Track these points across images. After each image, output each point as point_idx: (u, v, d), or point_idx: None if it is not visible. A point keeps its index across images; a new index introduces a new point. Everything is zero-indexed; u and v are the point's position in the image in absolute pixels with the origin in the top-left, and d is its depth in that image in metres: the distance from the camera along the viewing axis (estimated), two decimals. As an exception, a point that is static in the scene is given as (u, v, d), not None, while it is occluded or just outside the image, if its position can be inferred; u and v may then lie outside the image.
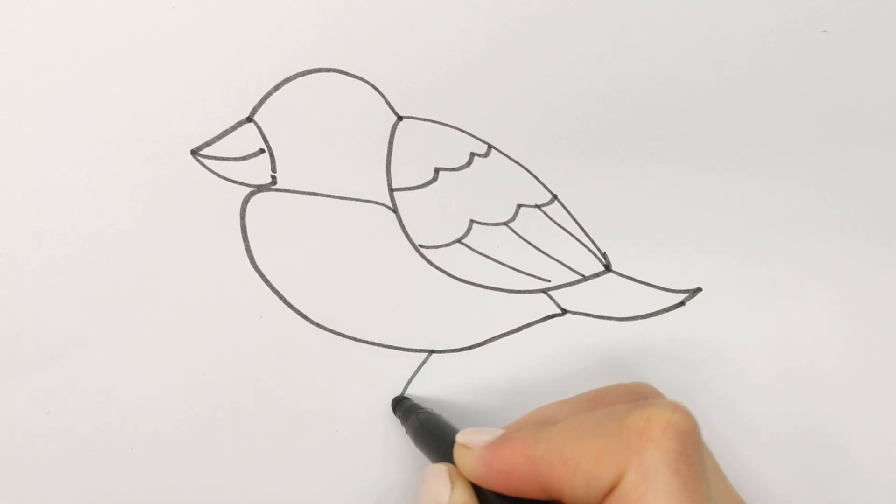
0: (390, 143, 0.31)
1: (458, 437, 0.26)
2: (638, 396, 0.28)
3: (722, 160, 0.32)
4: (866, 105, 0.32)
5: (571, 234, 0.33)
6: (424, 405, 0.32)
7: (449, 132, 0.31)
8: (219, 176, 0.31)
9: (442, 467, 0.26)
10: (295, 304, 0.32)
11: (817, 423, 0.34)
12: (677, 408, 0.22)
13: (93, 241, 0.31)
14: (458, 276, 0.33)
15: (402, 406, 0.33)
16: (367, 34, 0.30)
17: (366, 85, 0.31)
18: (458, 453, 0.26)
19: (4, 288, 0.31)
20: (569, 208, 0.33)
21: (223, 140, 0.30)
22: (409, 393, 0.34)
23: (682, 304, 0.34)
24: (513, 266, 0.33)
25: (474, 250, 0.32)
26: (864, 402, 0.34)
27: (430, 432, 0.30)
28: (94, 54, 0.29)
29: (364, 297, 0.33)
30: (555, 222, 0.33)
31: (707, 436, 0.34)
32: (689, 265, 0.33)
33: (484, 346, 0.34)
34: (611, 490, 0.22)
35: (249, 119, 0.30)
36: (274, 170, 0.31)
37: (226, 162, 0.31)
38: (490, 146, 0.32)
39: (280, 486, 0.34)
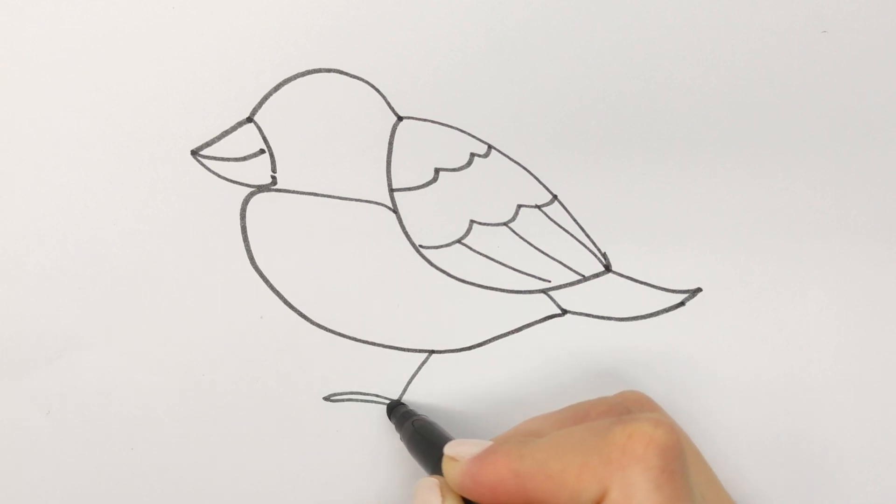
0: (390, 143, 0.31)
1: (446, 450, 0.26)
2: (624, 409, 0.28)
3: (722, 160, 0.32)
4: (866, 105, 0.32)
5: (571, 235, 0.33)
6: (420, 411, 0.32)
7: (449, 132, 0.31)
8: (219, 176, 0.31)
9: (433, 480, 0.26)
10: (295, 305, 0.32)
11: (817, 424, 0.34)
12: (660, 423, 0.22)
13: (93, 241, 0.31)
14: (458, 276, 0.33)
15: (397, 412, 0.32)
16: (367, 34, 0.30)
17: (366, 85, 0.31)
18: (446, 466, 0.26)
19: (4, 288, 0.31)
20: (569, 208, 0.33)
21: (223, 140, 0.30)
22: (408, 394, 0.34)
23: (682, 304, 0.34)
24: (513, 266, 0.33)
25: (474, 250, 0.32)
26: (865, 402, 0.34)
27: (423, 440, 0.30)
28: (94, 54, 0.29)
29: (364, 298, 0.33)
30: (555, 222, 0.33)
31: (706, 435, 0.34)
32: (689, 265, 0.33)
33: (484, 346, 0.34)
34: None
35: (249, 119, 0.30)
36: (274, 170, 0.31)
37: (226, 162, 0.31)
38: (490, 146, 0.32)
39: (280, 486, 0.34)
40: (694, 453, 0.28)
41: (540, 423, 0.29)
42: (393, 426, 0.33)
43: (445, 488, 0.26)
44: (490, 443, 0.26)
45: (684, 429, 0.34)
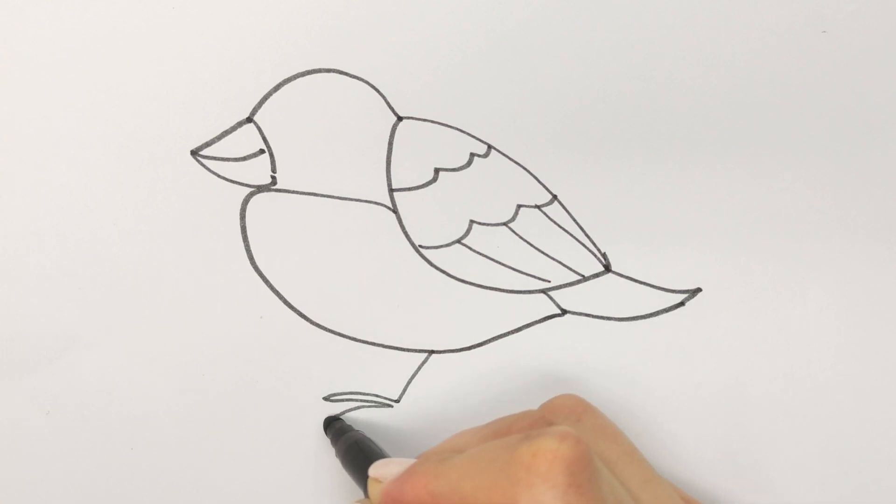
0: (390, 143, 0.31)
1: (371, 471, 0.26)
2: (545, 423, 0.28)
3: (722, 160, 0.32)
4: (866, 105, 0.32)
5: (571, 235, 0.33)
6: (357, 426, 0.32)
7: (449, 132, 0.31)
8: (219, 176, 0.31)
9: (364, 502, 0.26)
10: (295, 305, 0.32)
11: (817, 424, 0.34)
12: (565, 436, 0.22)
13: (93, 241, 0.31)
14: (458, 276, 0.33)
15: (333, 427, 0.32)
16: (367, 34, 0.30)
17: (366, 85, 0.31)
18: (370, 487, 0.26)
19: (4, 288, 0.31)
20: (569, 208, 0.33)
21: (223, 140, 0.30)
22: (407, 394, 0.34)
23: (682, 304, 0.34)
24: (513, 266, 0.33)
25: (474, 250, 0.32)
26: (865, 402, 0.34)
27: (355, 459, 0.30)
28: (94, 54, 0.29)
29: (364, 298, 0.33)
30: (555, 222, 0.33)
31: (706, 436, 0.34)
32: (689, 265, 0.33)
33: (484, 346, 0.34)
34: None
35: (249, 119, 0.30)
36: (274, 170, 0.31)
37: (226, 162, 0.31)
38: (490, 146, 0.32)
39: (280, 486, 0.34)
40: (626, 454, 0.27)
41: (466, 437, 0.29)
42: (393, 425, 0.33)
43: None
44: (413, 462, 0.26)
45: (683, 430, 0.34)
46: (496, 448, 0.23)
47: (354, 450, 0.30)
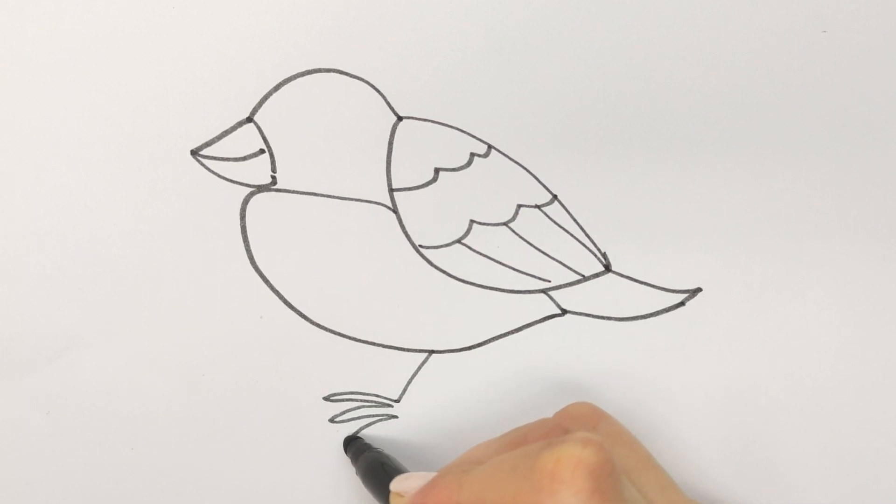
0: (390, 143, 0.31)
1: (392, 485, 0.26)
2: (561, 430, 0.28)
3: (722, 160, 0.32)
4: (866, 105, 0.32)
5: (571, 235, 0.33)
6: (376, 444, 0.33)
7: (449, 132, 0.31)
8: (219, 176, 0.31)
9: None
10: (295, 305, 0.32)
11: (817, 424, 0.34)
12: (588, 442, 0.22)
13: (93, 241, 0.31)
14: (458, 276, 0.33)
15: (353, 446, 0.33)
16: (367, 34, 0.30)
17: (366, 85, 0.31)
18: (393, 502, 0.26)
19: (4, 288, 0.31)
20: (569, 208, 0.33)
21: (223, 140, 0.30)
22: (407, 394, 0.34)
23: (682, 304, 0.34)
24: (513, 266, 0.33)
25: (474, 250, 0.32)
26: (865, 402, 0.34)
27: (375, 476, 0.30)
28: (94, 54, 0.29)
29: (364, 297, 0.33)
30: (555, 222, 0.33)
31: (706, 436, 0.34)
32: (689, 265, 0.33)
33: (484, 346, 0.34)
34: None
35: (249, 119, 0.30)
36: (274, 170, 0.31)
37: (226, 162, 0.31)
38: (490, 146, 0.32)
39: (280, 486, 0.34)
40: (642, 460, 0.28)
41: (483, 450, 0.29)
42: (392, 424, 0.33)
43: None
44: (434, 475, 0.26)
45: (683, 430, 0.34)
46: (518, 457, 0.23)
47: (375, 467, 0.31)
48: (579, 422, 0.29)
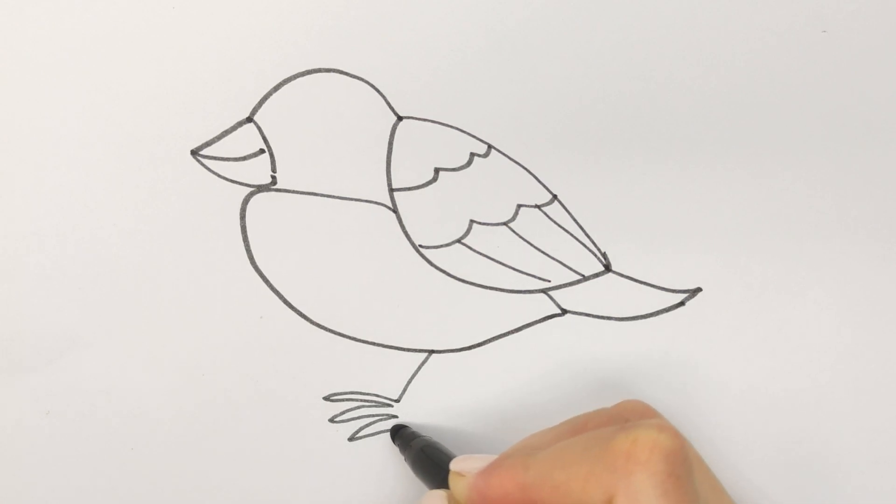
0: (390, 143, 0.31)
1: (452, 465, 0.26)
2: (622, 419, 0.28)
3: (722, 160, 0.32)
4: (866, 105, 0.32)
5: (571, 234, 0.33)
6: (423, 432, 0.33)
7: (449, 132, 0.31)
8: (219, 176, 0.31)
9: (440, 492, 0.26)
10: (295, 305, 0.32)
11: (817, 424, 0.34)
12: (664, 428, 0.22)
13: (93, 241, 0.31)
14: (458, 276, 0.33)
15: (402, 434, 0.33)
16: (367, 34, 0.30)
17: (366, 85, 0.31)
18: (452, 481, 0.26)
19: (4, 288, 0.31)
20: (569, 208, 0.33)
21: (223, 140, 0.30)
22: (407, 394, 0.34)
23: (682, 304, 0.34)
24: (513, 266, 0.33)
25: (474, 250, 0.32)
26: (865, 402, 0.34)
27: (428, 460, 0.30)
28: (94, 54, 0.29)
29: (364, 297, 0.33)
30: (555, 222, 0.33)
31: (706, 436, 0.34)
32: (689, 265, 0.33)
33: (484, 346, 0.34)
34: None
35: (249, 119, 0.30)
36: (274, 170, 0.31)
37: (226, 162, 0.31)
38: (490, 146, 0.32)
39: (280, 486, 0.34)
40: (697, 459, 0.28)
41: (539, 438, 0.29)
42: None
43: (453, 501, 0.26)
44: (495, 457, 0.26)
45: (683, 430, 0.34)
46: (589, 439, 0.23)
47: (430, 451, 0.31)
48: (635, 415, 0.29)
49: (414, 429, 0.33)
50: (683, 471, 0.22)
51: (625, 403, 0.30)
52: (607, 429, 0.23)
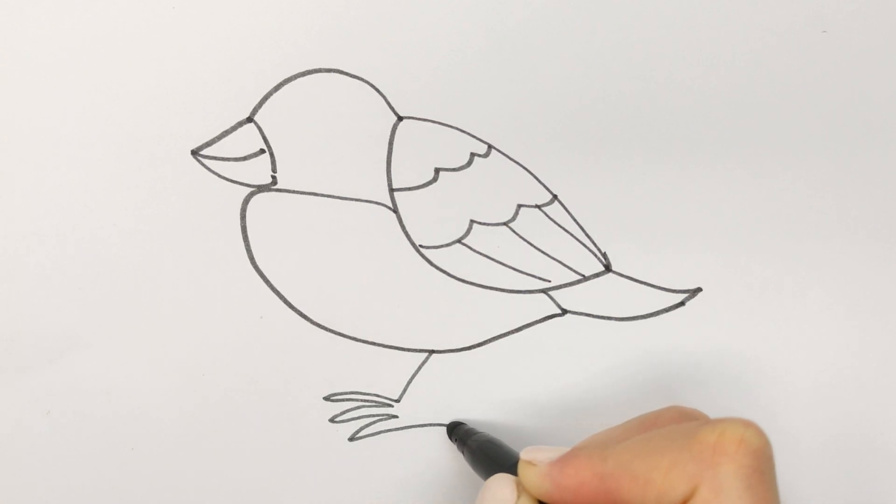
0: (390, 143, 0.31)
1: (523, 455, 0.26)
2: (692, 417, 0.28)
3: (722, 160, 0.32)
4: (866, 105, 0.32)
5: (571, 234, 0.33)
6: (480, 428, 0.33)
7: (449, 132, 0.31)
8: (219, 176, 0.31)
9: (508, 476, 0.26)
10: (295, 305, 0.32)
11: (817, 424, 0.34)
12: (749, 424, 0.22)
13: (93, 241, 0.31)
14: (458, 276, 0.33)
15: (458, 432, 0.33)
16: (367, 34, 0.30)
17: (366, 85, 0.31)
18: (522, 470, 0.26)
19: (4, 288, 0.31)
20: (569, 208, 0.33)
21: (223, 140, 0.30)
22: (408, 394, 0.34)
23: (682, 304, 0.34)
24: (513, 266, 0.33)
25: (474, 250, 0.32)
26: (865, 402, 0.34)
27: (489, 455, 0.30)
28: (94, 54, 0.29)
29: (364, 297, 0.33)
30: (555, 222, 0.33)
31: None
32: (689, 265, 0.33)
33: (484, 346, 0.34)
34: None
35: (249, 119, 0.30)
36: (274, 170, 0.31)
37: (226, 162, 0.31)
38: (490, 146, 0.32)
39: (280, 486, 0.34)
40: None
41: (608, 434, 0.29)
42: (394, 424, 0.33)
43: (520, 486, 0.26)
44: (568, 449, 0.26)
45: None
46: (672, 431, 0.23)
47: (493, 445, 0.31)
48: (703, 417, 0.29)
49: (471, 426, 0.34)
50: (767, 467, 0.22)
51: (687, 408, 0.30)
52: (690, 423, 0.23)
